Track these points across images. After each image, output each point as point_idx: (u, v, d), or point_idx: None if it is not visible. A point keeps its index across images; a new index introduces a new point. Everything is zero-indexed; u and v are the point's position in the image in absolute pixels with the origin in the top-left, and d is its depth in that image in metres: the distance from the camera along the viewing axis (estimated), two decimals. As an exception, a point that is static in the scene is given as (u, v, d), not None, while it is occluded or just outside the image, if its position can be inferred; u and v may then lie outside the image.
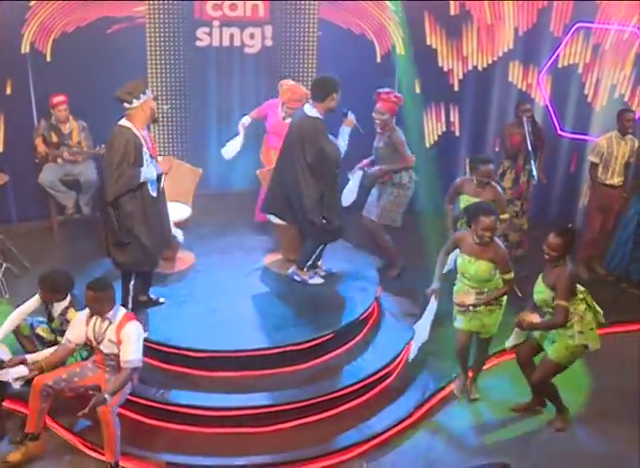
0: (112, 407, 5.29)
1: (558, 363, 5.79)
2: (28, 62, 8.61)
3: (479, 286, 5.93)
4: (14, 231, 8.64)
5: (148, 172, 5.86)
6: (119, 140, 5.72)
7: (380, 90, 7.40)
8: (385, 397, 6.21)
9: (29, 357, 5.68)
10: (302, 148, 6.36)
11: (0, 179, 7.88)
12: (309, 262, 6.82)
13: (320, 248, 6.81)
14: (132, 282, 6.15)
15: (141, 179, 5.79)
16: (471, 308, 5.91)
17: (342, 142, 6.48)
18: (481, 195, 6.74)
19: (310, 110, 6.39)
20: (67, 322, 5.79)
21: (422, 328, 6.22)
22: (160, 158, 6.31)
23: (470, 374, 6.40)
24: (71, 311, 5.88)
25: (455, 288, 6.14)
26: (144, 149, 5.83)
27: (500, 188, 7.00)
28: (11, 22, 8.38)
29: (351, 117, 6.52)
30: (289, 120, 7.09)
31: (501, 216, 6.60)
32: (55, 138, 8.40)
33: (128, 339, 5.39)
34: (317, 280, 6.89)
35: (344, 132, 6.51)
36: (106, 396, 5.25)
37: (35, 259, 7.91)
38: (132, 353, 5.39)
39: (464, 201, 6.80)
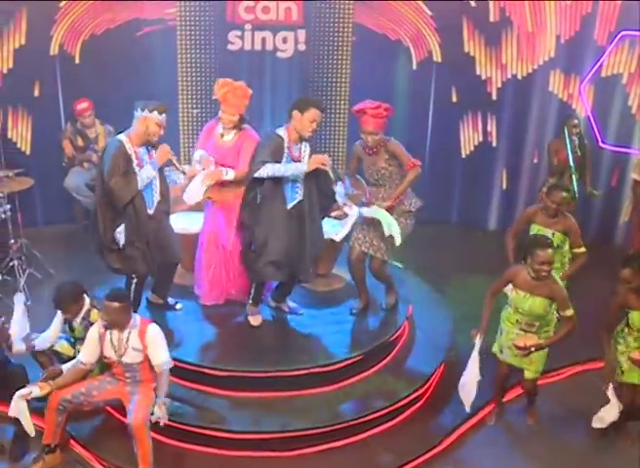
0: (146, 418, 5.16)
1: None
2: (57, 64, 8.63)
3: (533, 321, 5.65)
4: (40, 235, 8.63)
5: (144, 172, 5.79)
6: (109, 151, 5.76)
7: (363, 105, 6.07)
8: (415, 422, 5.98)
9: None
10: None
11: (26, 183, 7.73)
12: (249, 299, 6.28)
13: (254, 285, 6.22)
14: (133, 286, 6.08)
15: (139, 183, 5.76)
16: (532, 349, 5.60)
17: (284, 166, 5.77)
18: (553, 226, 6.33)
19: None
20: (91, 324, 5.55)
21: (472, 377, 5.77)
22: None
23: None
24: (94, 312, 5.63)
25: (504, 315, 5.79)
26: (134, 165, 5.78)
27: (573, 219, 6.46)
28: (40, 23, 8.40)
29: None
30: (229, 137, 6.17)
31: (578, 250, 6.35)
32: (81, 143, 8.36)
33: (155, 342, 5.28)
34: (254, 320, 6.26)
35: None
36: (165, 399, 5.15)
37: (60, 264, 7.85)
38: (163, 355, 5.29)
39: (535, 230, 6.42)
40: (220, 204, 6.29)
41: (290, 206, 5.91)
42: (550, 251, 5.43)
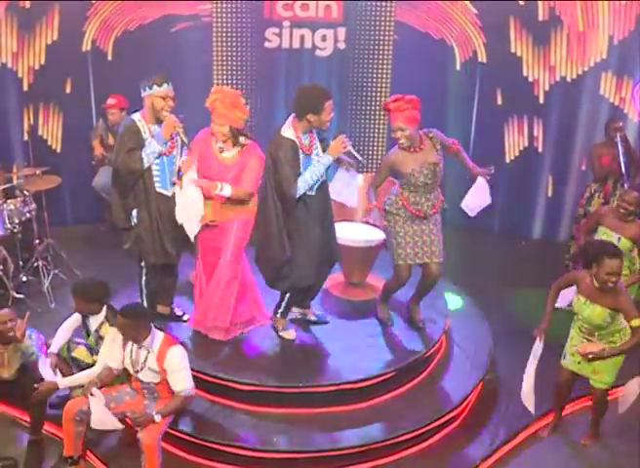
0: (158, 436, 4.94)
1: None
2: (89, 61, 8.58)
3: (592, 330, 5.33)
4: (67, 234, 8.54)
5: (148, 147, 5.56)
6: (119, 130, 5.70)
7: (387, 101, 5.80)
8: (450, 445, 5.67)
9: (61, 381, 5.37)
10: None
11: (53, 182, 7.57)
12: (280, 309, 5.96)
13: (287, 295, 5.90)
14: (144, 277, 5.91)
15: (145, 159, 5.54)
16: (590, 356, 5.27)
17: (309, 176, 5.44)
18: (621, 230, 6.08)
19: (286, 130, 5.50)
20: (102, 339, 5.40)
21: (528, 375, 5.51)
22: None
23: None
24: (105, 326, 5.45)
25: (574, 321, 5.47)
26: (147, 142, 5.58)
27: None
28: (72, 19, 8.35)
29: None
30: (230, 154, 5.70)
31: None
32: (111, 141, 8.16)
33: (173, 369, 5.01)
34: (289, 334, 5.97)
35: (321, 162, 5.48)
36: (155, 415, 4.92)
37: (86, 265, 7.66)
38: (181, 382, 5.04)
39: (601, 233, 6.18)
40: (220, 224, 5.80)
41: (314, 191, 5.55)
42: (619, 261, 5.06)
